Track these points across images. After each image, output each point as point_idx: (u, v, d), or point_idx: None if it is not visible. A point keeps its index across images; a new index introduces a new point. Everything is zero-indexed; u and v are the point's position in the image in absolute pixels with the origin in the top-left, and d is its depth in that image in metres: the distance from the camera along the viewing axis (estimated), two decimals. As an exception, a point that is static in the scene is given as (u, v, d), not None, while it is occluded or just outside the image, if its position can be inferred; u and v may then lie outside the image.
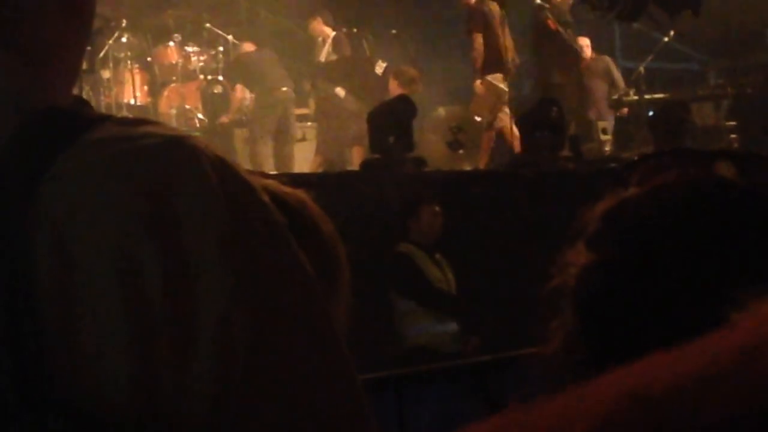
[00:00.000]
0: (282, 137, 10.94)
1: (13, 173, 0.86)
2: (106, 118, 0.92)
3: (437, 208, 7.34)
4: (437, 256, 7.32)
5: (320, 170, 10.27)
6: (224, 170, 0.90)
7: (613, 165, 9.08)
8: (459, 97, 11.98)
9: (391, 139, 8.70)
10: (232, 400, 0.86)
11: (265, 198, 0.92)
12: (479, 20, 10.73)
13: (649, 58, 12.16)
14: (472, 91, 10.86)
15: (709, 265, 1.15)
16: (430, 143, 10.75)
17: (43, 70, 0.97)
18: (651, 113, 11.32)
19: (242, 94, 11.39)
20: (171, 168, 0.88)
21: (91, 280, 0.84)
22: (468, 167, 10.47)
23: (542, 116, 9.43)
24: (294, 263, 0.92)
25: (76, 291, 0.84)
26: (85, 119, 0.91)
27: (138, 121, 0.93)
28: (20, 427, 0.83)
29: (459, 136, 10.80)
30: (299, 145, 11.15)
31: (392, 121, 8.79)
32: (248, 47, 11.51)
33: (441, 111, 11.59)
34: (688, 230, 1.18)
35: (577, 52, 11.56)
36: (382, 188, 7.95)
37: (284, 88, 10.96)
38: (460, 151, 10.80)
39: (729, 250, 1.16)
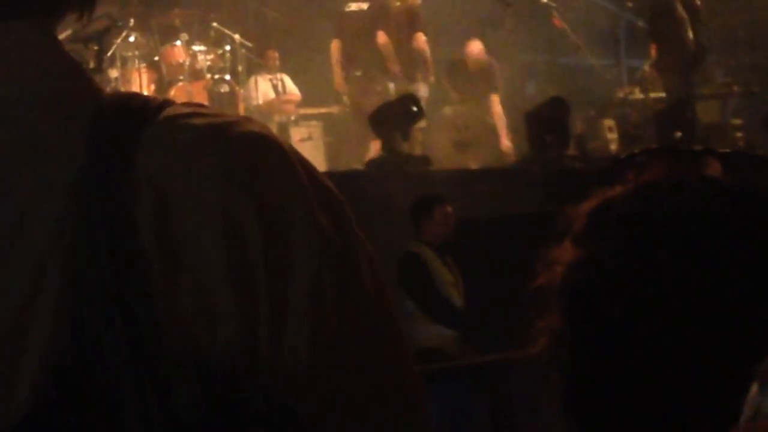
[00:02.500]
0: None
1: (106, 147, 0.90)
2: (172, 102, 0.96)
3: (449, 209, 7.36)
4: (448, 258, 7.32)
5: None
6: (292, 150, 0.96)
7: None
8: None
9: (398, 137, 8.70)
10: (325, 353, 0.91)
11: (327, 180, 0.97)
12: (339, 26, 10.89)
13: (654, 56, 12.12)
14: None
15: (694, 262, 1.16)
16: (436, 142, 10.74)
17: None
18: (657, 112, 11.28)
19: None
20: (255, 139, 0.93)
21: (195, 237, 0.89)
22: (474, 166, 10.46)
23: (550, 115, 9.42)
24: (358, 238, 0.97)
25: (180, 248, 0.88)
26: (156, 101, 0.96)
27: (199, 105, 0.98)
28: (133, 379, 0.86)
29: (465, 135, 10.79)
30: (305, 144, 11.15)
31: (399, 119, 8.79)
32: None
33: (447, 110, 11.58)
34: (674, 227, 1.19)
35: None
36: (389, 187, 7.95)
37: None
38: (466, 151, 10.80)
39: (714, 246, 1.17)
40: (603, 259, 1.19)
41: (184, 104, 0.96)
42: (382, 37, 10.86)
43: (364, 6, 10.86)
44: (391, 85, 10.84)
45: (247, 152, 0.92)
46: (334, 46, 10.98)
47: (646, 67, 12.11)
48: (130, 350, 0.86)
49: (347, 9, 10.92)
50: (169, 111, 0.94)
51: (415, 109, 9.22)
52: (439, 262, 7.26)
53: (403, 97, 9.36)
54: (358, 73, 10.81)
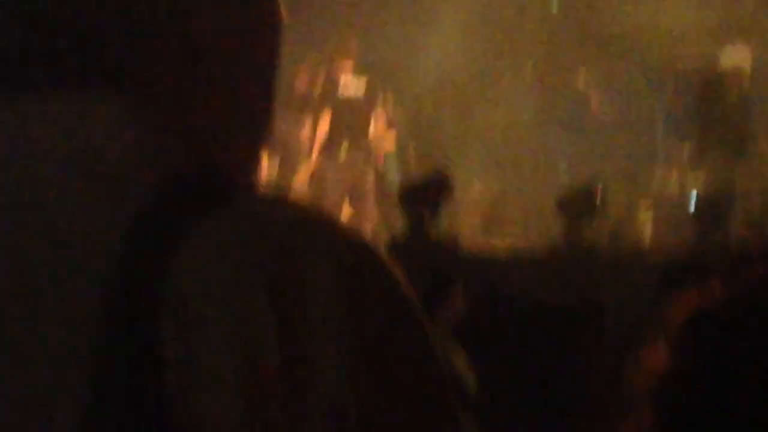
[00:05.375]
0: None
1: (149, 244, 0.89)
2: (248, 190, 0.96)
3: (463, 291, 7.25)
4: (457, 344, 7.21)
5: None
6: (359, 249, 0.93)
7: (653, 256, 8.87)
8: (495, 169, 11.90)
9: (427, 216, 8.65)
10: None
11: (399, 277, 0.94)
12: None
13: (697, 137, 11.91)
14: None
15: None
16: (463, 220, 10.66)
17: (187, 131, 0.99)
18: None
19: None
20: (301, 244, 0.90)
21: (207, 352, 0.88)
22: (502, 245, 10.36)
23: (585, 201, 9.32)
24: (420, 343, 0.94)
25: (196, 362, 0.88)
26: (224, 190, 0.93)
27: (278, 198, 0.96)
28: None
29: (495, 212, 10.77)
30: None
31: (426, 196, 8.74)
32: None
33: (476, 184, 11.51)
34: None
35: None
36: (413, 265, 7.81)
37: None
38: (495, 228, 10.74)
39: None
40: (704, 370, 1.10)
41: (260, 197, 0.94)
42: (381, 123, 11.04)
43: (360, 93, 11.00)
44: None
45: (283, 262, 0.89)
46: (324, 127, 10.96)
47: (686, 149, 11.89)
48: None
49: (343, 96, 10.97)
50: (230, 207, 0.91)
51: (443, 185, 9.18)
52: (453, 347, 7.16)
53: (436, 174, 9.31)
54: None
